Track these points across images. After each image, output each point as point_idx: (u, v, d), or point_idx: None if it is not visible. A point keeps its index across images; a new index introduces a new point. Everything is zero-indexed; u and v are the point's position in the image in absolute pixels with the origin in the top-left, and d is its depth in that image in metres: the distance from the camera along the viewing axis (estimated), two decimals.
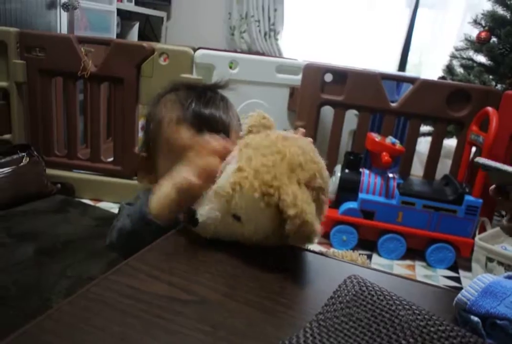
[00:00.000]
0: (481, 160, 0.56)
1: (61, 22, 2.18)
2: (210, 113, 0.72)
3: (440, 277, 1.50)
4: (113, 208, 1.74)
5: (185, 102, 0.72)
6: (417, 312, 0.39)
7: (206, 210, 0.52)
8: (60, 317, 0.38)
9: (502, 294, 0.41)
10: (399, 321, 0.38)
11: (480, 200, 1.49)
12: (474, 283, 0.43)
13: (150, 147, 0.75)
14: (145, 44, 1.80)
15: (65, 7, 2.16)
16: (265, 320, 0.41)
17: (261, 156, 0.50)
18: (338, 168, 1.62)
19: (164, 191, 0.58)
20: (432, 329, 0.37)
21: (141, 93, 1.77)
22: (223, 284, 0.47)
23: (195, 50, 1.82)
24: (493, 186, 0.58)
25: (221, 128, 0.71)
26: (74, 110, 1.81)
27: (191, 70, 1.76)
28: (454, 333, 0.37)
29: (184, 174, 0.55)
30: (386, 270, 0.56)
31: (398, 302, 0.40)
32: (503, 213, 2.05)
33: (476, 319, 0.41)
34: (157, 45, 1.79)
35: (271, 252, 0.56)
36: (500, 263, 1.40)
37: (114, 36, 2.78)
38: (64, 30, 2.23)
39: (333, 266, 0.54)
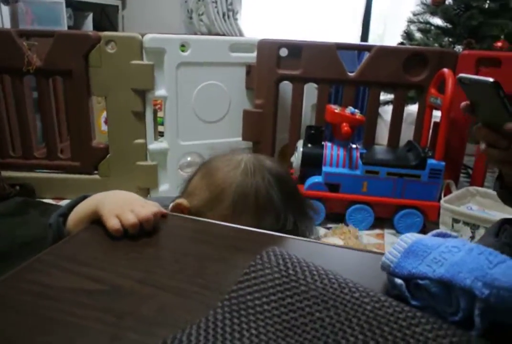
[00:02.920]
0: (462, 74, 0.56)
1: (2, 17, 2.08)
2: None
3: None
4: None
5: (268, 194, 0.62)
6: (333, 281, 0.37)
7: None
8: None
9: (423, 252, 0.39)
10: (313, 292, 0.36)
11: (443, 163, 1.48)
12: (397, 245, 0.41)
13: (198, 202, 0.64)
14: (90, 32, 1.72)
15: (4, 0, 2.06)
16: (178, 304, 0.39)
17: None
18: (300, 143, 1.60)
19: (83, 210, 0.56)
20: (346, 297, 0.35)
21: (92, 84, 1.71)
22: (140, 269, 0.44)
23: (143, 35, 1.75)
24: (465, 102, 0.59)
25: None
26: (25, 108, 1.73)
27: (141, 56, 1.70)
28: (367, 299, 0.35)
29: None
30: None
31: (314, 272, 0.38)
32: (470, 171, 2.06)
33: (399, 281, 0.39)
34: (103, 33, 1.72)
35: (200, 231, 0.53)
36: (466, 223, 1.40)
37: (65, 28, 2.67)
38: (7, 25, 2.13)
39: (258, 239, 0.51)
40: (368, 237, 1.53)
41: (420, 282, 0.38)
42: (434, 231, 0.44)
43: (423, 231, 1.58)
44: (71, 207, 0.58)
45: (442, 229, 1.48)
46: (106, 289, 0.40)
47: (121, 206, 0.51)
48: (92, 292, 0.40)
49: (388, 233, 1.57)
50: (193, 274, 0.43)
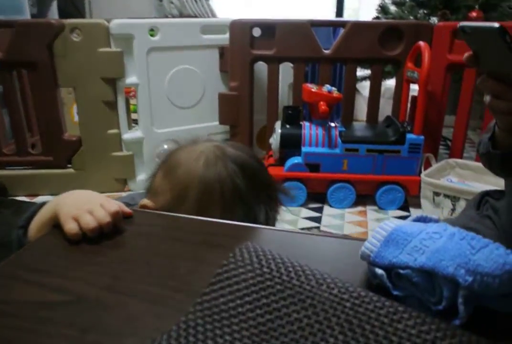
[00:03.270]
0: (463, 22, 0.52)
1: None
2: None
3: (391, 218, 1.51)
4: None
5: (233, 180, 0.59)
6: (310, 277, 0.35)
7: None
8: None
9: (403, 240, 0.37)
10: (289, 291, 0.34)
11: (422, 137, 1.47)
12: (376, 233, 0.39)
13: (164, 202, 0.61)
14: (53, 20, 1.65)
15: None
16: (147, 311, 0.36)
17: None
18: (278, 125, 1.57)
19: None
20: (324, 294, 0.33)
21: (59, 75, 1.64)
22: (106, 275, 0.41)
23: (111, 21, 1.68)
24: (468, 53, 0.55)
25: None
26: None
27: (108, 43, 1.63)
28: (347, 296, 0.33)
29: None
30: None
31: (290, 269, 0.36)
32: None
33: (380, 272, 0.37)
34: (67, 20, 1.64)
35: (170, 228, 0.50)
36: (446, 196, 1.40)
37: (29, 17, 2.55)
38: None
39: (231, 233, 0.49)
40: (351, 215, 1.52)
41: (401, 271, 0.36)
42: (414, 216, 0.42)
43: (405, 206, 1.58)
44: (29, 218, 0.54)
45: (424, 202, 1.48)
46: (70, 299, 0.38)
47: (78, 207, 0.48)
48: (54, 305, 0.37)
49: (370, 210, 1.57)
50: (164, 276, 0.41)
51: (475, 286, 0.32)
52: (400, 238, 0.37)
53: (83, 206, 0.48)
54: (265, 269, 0.36)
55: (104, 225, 0.46)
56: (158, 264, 0.43)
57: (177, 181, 0.60)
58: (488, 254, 0.33)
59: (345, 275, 0.41)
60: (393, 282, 0.37)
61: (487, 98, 0.56)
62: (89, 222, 0.46)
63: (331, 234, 0.49)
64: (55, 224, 0.49)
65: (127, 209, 0.50)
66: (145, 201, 0.61)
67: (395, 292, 0.37)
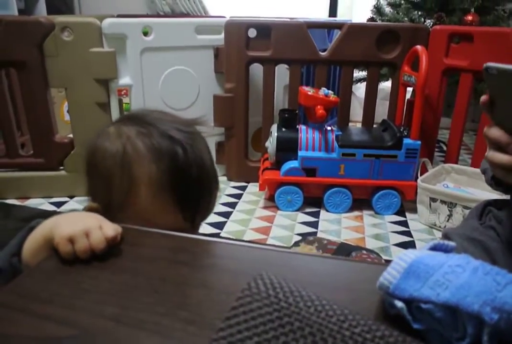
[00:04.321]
0: (489, 63, 0.47)
1: None
2: (198, 173, 0.58)
3: (387, 223, 1.50)
4: (43, 204, 1.62)
5: (160, 151, 0.56)
6: (330, 313, 0.33)
7: None
8: None
9: (425, 273, 0.36)
10: (309, 329, 0.33)
11: (419, 142, 1.47)
12: (395, 264, 0.38)
13: (106, 201, 0.59)
14: (42, 19, 1.60)
15: None
16: None
17: None
18: (274, 128, 1.55)
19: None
20: (346, 333, 0.32)
21: (49, 76, 1.60)
22: (113, 304, 0.39)
23: (103, 19, 1.64)
24: (485, 96, 0.51)
25: (207, 185, 0.59)
26: None
27: (100, 43, 1.60)
28: (370, 335, 0.31)
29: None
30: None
31: (309, 304, 0.34)
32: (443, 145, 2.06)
33: (400, 304, 0.36)
34: (57, 19, 1.60)
35: (175, 249, 0.49)
36: (443, 202, 1.40)
37: (16, 13, 2.50)
38: None
39: (241, 255, 0.47)
40: (348, 220, 1.52)
41: (423, 306, 0.35)
42: (431, 243, 0.41)
43: (401, 210, 1.58)
44: (20, 243, 0.51)
45: (420, 208, 1.48)
46: (76, 334, 0.36)
47: (74, 228, 0.46)
48: (59, 340, 0.35)
49: (367, 215, 1.56)
50: (174, 306, 0.39)
51: (501, 324, 0.32)
52: (421, 271, 0.36)
53: (79, 226, 0.46)
54: (283, 304, 0.35)
55: (98, 250, 0.45)
56: (166, 292, 0.41)
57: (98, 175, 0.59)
58: None
59: (361, 304, 0.40)
60: (413, 315, 0.36)
61: (489, 151, 0.53)
62: (83, 247, 0.44)
63: (345, 258, 0.48)
64: (52, 247, 0.47)
65: (118, 233, 0.48)
66: (90, 204, 0.60)
67: (416, 326, 0.36)
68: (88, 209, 0.59)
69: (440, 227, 1.44)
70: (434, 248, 0.41)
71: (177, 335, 0.36)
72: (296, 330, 0.33)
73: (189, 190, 0.58)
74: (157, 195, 0.57)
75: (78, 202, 1.65)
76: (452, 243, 0.42)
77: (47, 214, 0.52)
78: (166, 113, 0.64)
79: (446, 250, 0.41)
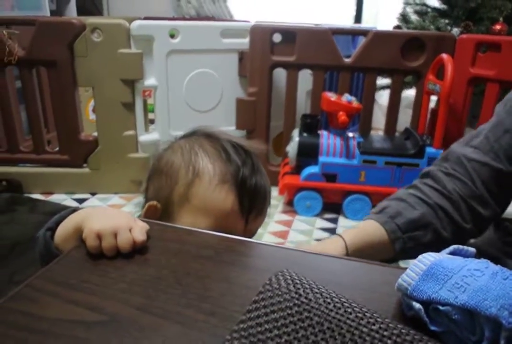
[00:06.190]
0: None
1: None
2: (259, 184, 0.61)
3: None
4: (66, 200, 1.66)
5: (229, 154, 0.61)
6: (349, 310, 0.34)
7: None
8: None
9: (443, 276, 0.36)
10: (328, 324, 0.34)
11: (441, 151, 1.46)
12: (414, 266, 0.39)
13: (168, 196, 0.61)
14: (74, 20, 1.65)
15: None
16: (182, 335, 0.36)
17: None
18: (295, 133, 1.56)
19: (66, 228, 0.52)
20: (364, 329, 0.33)
21: (78, 75, 1.65)
22: (139, 294, 0.41)
23: (130, 21, 1.69)
24: None
25: (262, 199, 0.62)
26: (8, 102, 1.66)
27: (128, 44, 1.64)
28: (388, 333, 0.32)
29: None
30: (333, 254, 0.51)
31: (329, 300, 0.35)
32: None
33: (418, 306, 0.37)
34: (88, 20, 1.65)
35: (199, 245, 0.50)
36: None
37: (48, 14, 2.57)
38: None
39: (263, 253, 0.49)
40: None
41: (441, 308, 0.35)
42: (451, 247, 0.42)
43: None
44: (59, 221, 0.54)
45: None
46: (104, 319, 0.37)
47: (104, 225, 0.47)
48: (88, 324, 0.37)
49: None
50: (196, 298, 0.41)
51: None
52: (440, 273, 0.37)
53: (110, 224, 0.47)
54: (303, 299, 0.36)
55: (123, 251, 0.46)
56: (190, 284, 0.43)
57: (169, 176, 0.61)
58: None
59: (378, 305, 0.41)
60: (430, 317, 0.37)
61: None
62: (109, 246, 0.46)
63: (366, 261, 0.49)
64: (81, 238, 0.49)
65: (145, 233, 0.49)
66: (151, 202, 0.61)
67: (433, 327, 0.36)
68: (149, 207, 0.61)
69: None
70: (454, 252, 0.41)
71: (198, 325, 0.37)
72: (315, 325, 0.34)
73: (249, 189, 0.60)
74: (218, 186, 0.59)
75: (99, 199, 1.69)
76: (471, 249, 0.42)
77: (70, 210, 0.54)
78: (228, 133, 0.67)
79: (465, 255, 0.41)
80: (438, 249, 0.68)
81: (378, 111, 2.52)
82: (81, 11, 3.14)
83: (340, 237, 0.66)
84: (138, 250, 0.47)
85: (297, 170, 1.58)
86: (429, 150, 1.46)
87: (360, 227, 0.69)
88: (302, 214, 1.57)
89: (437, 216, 0.67)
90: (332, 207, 1.59)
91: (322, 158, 1.50)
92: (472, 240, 1.07)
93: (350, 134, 1.54)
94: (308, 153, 1.52)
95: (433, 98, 1.70)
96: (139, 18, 2.35)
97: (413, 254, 0.65)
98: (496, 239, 0.79)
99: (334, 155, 1.50)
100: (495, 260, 0.72)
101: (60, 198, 1.66)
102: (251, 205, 0.60)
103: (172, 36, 1.72)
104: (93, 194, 1.73)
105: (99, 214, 0.51)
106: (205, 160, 0.60)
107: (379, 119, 2.24)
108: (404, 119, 1.91)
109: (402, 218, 0.66)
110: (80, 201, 1.67)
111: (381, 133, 1.83)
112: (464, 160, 0.68)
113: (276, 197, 1.72)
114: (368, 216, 0.70)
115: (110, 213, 0.52)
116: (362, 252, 0.64)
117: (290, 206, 1.62)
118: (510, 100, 0.69)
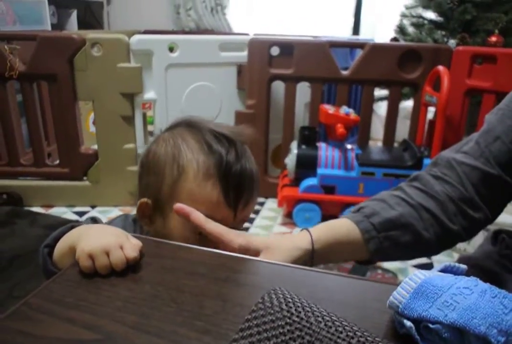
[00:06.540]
0: None
1: None
2: (244, 168, 0.61)
3: None
4: (66, 213, 1.66)
5: (210, 146, 0.61)
6: (340, 329, 0.35)
7: None
8: None
9: (433, 294, 0.37)
10: (319, 343, 0.34)
11: None
12: (405, 283, 0.39)
13: (157, 192, 0.62)
14: (74, 35, 1.67)
15: None
16: None
17: None
18: (294, 145, 1.57)
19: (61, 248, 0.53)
20: None
21: (78, 89, 1.66)
22: (134, 312, 0.41)
23: (130, 35, 1.71)
24: None
25: (249, 185, 0.62)
26: (9, 116, 1.68)
27: (128, 59, 1.66)
28: None
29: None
30: (322, 269, 0.51)
31: (320, 319, 0.36)
32: None
33: (409, 324, 0.37)
34: (88, 35, 1.67)
35: (193, 262, 0.51)
36: None
37: (49, 28, 2.60)
38: None
39: (256, 270, 0.49)
40: None
41: (431, 326, 0.36)
42: (442, 265, 0.42)
43: None
44: (57, 237, 0.55)
45: None
46: (100, 338, 0.38)
47: (95, 245, 0.47)
48: (84, 343, 0.37)
49: None
50: (191, 316, 0.41)
51: None
52: (429, 291, 0.37)
53: (100, 244, 0.47)
54: (294, 318, 0.36)
55: (117, 269, 0.47)
56: (184, 302, 0.43)
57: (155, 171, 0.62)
58: None
59: (371, 322, 0.41)
60: (422, 335, 0.37)
61: None
62: (103, 265, 0.46)
63: (358, 277, 0.49)
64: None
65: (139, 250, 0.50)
66: (142, 199, 0.62)
67: None
68: (140, 204, 0.62)
69: (460, 249, 1.43)
70: (445, 270, 0.42)
71: None
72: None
73: (233, 179, 0.60)
74: (204, 180, 0.59)
75: (99, 212, 1.69)
76: (463, 266, 0.43)
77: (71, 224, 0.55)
78: (212, 121, 0.68)
79: (456, 272, 0.42)
80: (419, 250, 0.67)
81: (377, 121, 2.53)
82: (82, 24, 3.18)
83: (308, 232, 0.63)
84: (132, 267, 0.48)
85: (296, 182, 1.58)
86: (427, 161, 1.46)
87: (330, 223, 0.66)
88: (301, 226, 1.58)
89: (420, 216, 0.64)
90: (331, 218, 1.58)
91: (320, 170, 1.51)
92: (469, 253, 1.07)
93: (349, 146, 1.55)
94: (307, 165, 1.53)
95: (431, 109, 1.71)
96: (139, 31, 2.39)
97: (390, 254, 0.65)
98: (493, 252, 0.79)
99: (332, 167, 1.51)
100: (492, 273, 0.72)
101: (60, 211, 1.67)
102: (238, 196, 0.60)
103: (171, 50, 1.74)
104: (93, 207, 1.74)
105: (91, 233, 0.51)
106: (189, 155, 0.61)
107: (378, 130, 2.26)
108: (403, 129, 1.92)
109: (378, 217, 0.63)
110: (80, 214, 1.67)
111: (380, 143, 1.84)
112: (455, 164, 0.67)
113: (275, 209, 1.72)
114: (344, 215, 0.68)
115: (102, 232, 0.52)
116: (331, 249, 0.61)
117: (289, 218, 1.63)
118: (501, 109, 0.69)
